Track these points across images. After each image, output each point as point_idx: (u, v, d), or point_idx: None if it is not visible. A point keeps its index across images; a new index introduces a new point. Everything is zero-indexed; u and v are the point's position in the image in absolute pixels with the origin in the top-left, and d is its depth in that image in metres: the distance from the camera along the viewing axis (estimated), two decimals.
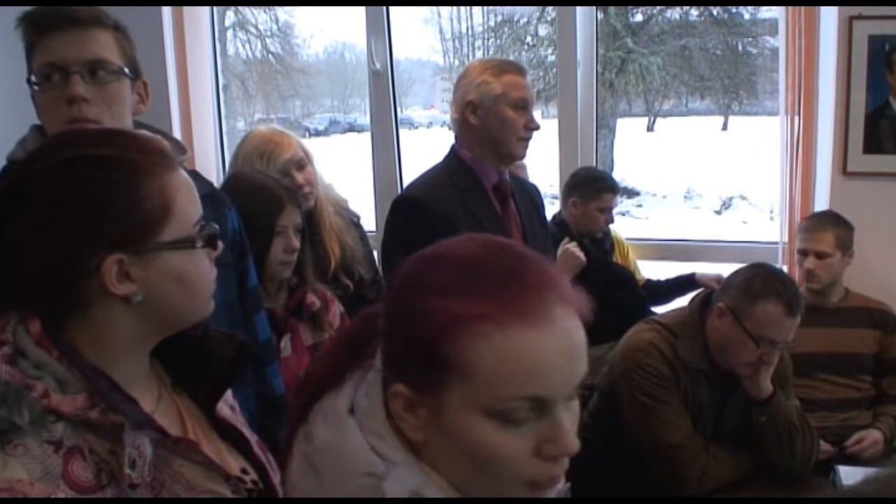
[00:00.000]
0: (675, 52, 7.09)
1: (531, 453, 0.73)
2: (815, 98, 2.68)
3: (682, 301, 2.78)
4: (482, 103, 2.03)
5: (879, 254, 2.60)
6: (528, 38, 7.26)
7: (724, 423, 2.06)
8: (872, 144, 2.61)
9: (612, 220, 2.89)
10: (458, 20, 7.59)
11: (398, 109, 3.30)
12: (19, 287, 0.86)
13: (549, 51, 6.62)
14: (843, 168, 2.64)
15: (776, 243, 2.82)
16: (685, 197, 8.36)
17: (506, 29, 7.38)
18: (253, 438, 1.06)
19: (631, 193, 8.02)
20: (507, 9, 7.11)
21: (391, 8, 3.19)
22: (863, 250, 2.51)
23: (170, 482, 0.89)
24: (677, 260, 3.14)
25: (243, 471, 0.99)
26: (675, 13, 6.88)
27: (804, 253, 2.49)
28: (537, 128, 2.07)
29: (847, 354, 2.43)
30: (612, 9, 6.59)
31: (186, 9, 3.16)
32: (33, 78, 1.33)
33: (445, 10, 7.44)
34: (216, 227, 0.96)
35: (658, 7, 6.71)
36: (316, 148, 2.37)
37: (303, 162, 2.22)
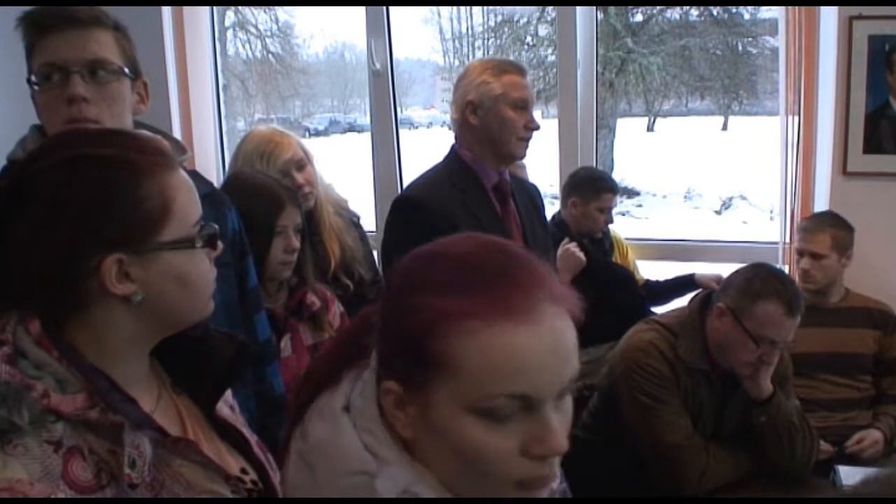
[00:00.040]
0: (675, 52, 7.09)
1: (518, 452, 0.73)
2: (815, 98, 2.68)
3: (682, 301, 2.78)
4: (482, 103, 2.03)
5: (879, 254, 2.60)
6: (528, 38, 7.26)
7: (724, 423, 2.06)
8: (872, 144, 2.60)
9: (611, 221, 2.89)
10: (458, 20, 7.59)
11: (398, 109, 3.30)
12: (19, 287, 0.86)
13: (549, 51, 6.62)
14: (843, 168, 2.64)
15: (776, 243, 2.82)
16: (685, 197, 8.36)
17: (506, 29, 7.38)
18: (253, 438, 1.06)
19: (631, 193, 8.02)
20: (507, 9, 7.11)
21: (391, 8, 3.19)
22: (863, 250, 2.51)
23: (169, 482, 0.89)
24: (677, 260, 3.14)
25: (243, 471, 0.99)
26: (675, 13, 6.88)
27: (801, 253, 2.49)
28: (537, 128, 2.07)
29: (847, 354, 2.43)
30: (612, 9, 6.59)
31: (186, 9, 3.16)
32: (33, 78, 1.33)
33: (445, 10, 7.44)
34: (216, 227, 0.96)
35: (658, 7, 6.71)
36: (316, 148, 2.37)
37: (303, 162, 2.22)
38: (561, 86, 3.05)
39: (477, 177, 2.06)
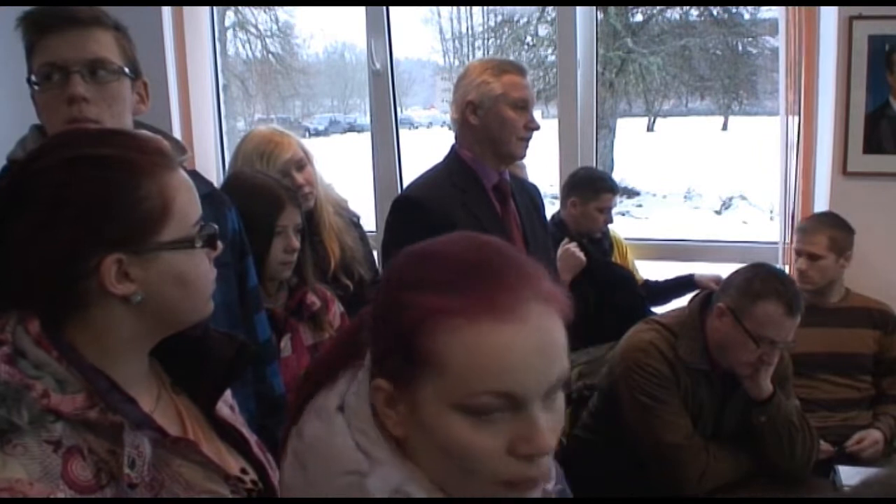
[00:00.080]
0: (675, 52, 7.10)
1: (505, 451, 0.72)
2: (815, 98, 2.68)
3: (681, 302, 2.78)
4: (482, 103, 2.03)
5: (879, 254, 2.60)
6: (528, 38, 7.26)
7: (724, 423, 2.05)
8: (872, 144, 2.60)
9: (611, 220, 2.89)
10: (458, 20, 7.60)
11: (398, 109, 3.30)
12: (19, 287, 0.86)
13: (549, 51, 6.62)
14: (843, 168, 2.64)
15: (776, 243, 2.82)
16: (685, 197, 8.36)
17: (506, 29, 7.38)
18: (252, 438, 1.06)
19: (631, 193, 8.03)
20: (507, 9, 7.12)
21: (391, 8, 3.19)
22: (863, 250, 2.51)
23: (169, 482, 0.89)
24: (677, 260, 3.14)
25: (243, 471, 0.99)
26: (675, 13, 6.88)
27: (798, 253, 2.49)
28: (537, 128, 2.07)
29: (847, 354, 2.43)
30: (612, 9, 6.59)
31: (186, 9, 3.16)
32: (33, 78, 1.33)
33: (445, 10, 7.44)
34: (216, 227, 0.96)
35: (658, 7, 6.71)
36: (316, 148, 2.37)
37: (303, 162, 2.22)
38: (561, 86, 3.05)
39: (477, 177, 2.06)
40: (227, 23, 6.01)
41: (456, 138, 2.12)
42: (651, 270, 3.12)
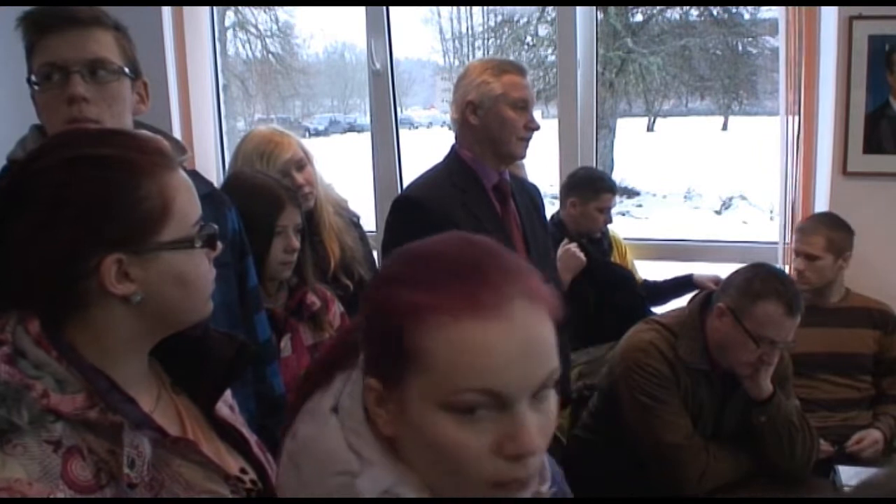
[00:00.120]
0: (675, 52, 7.10)
1: (491, 451, 0.72)
2: (815, 98, 2.68)
3: (680, 302, 2.78)
4: (482, 103, 2.03)
5: (879, 254, 2.60)
6: (528, 38, 7.26)
7: (724, 423, 2.05)
8: (872, 144, 2.60)
9: (610, 220, 2.89)
10: (458, 20, 7.60)
11: (398, 109, 3.30)
12: (19, 287, 0.86)
13: (549, 51, 6.62)
14: (843, 168, 2.64)
15: (776, 243, 2.82)
16: (685, 197, 8.36)
17: (506, 29, 7.38)
18: (252, 438, 1.06)
19: (631, 193, 8.03)
20: (507, 9, 7.11)
21: (391, 8, 3.19)
22: (863, 250, 2.50)
23: (169, 482, 0.89)
24: (677, 260, 3.14)
25: (242, 470, 0.99)
26: (675, 13, 6.88)
27: (796, 253, 2.50)
28: (537, 128, 2.07)
29: (847, 354, 2.43)
30: (612, 9, 6.59)
31: (186, 9, 3.16)
32: (33, 78, 1.33)
33: (445, 10, 7.44)
34: (215, 227, 0.96)
35: (658, 7, 6.71)
36: (316, 148, 2.37)
37: (303, 162, 2.22)
38: (561, 86, 3.05)
39: (477, 177, 2.06)
40: (227, 23, 6.01)
41: (456, 138, 2.12)
42: (651, 270, 3.12)
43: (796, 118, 2.68)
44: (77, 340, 0.87)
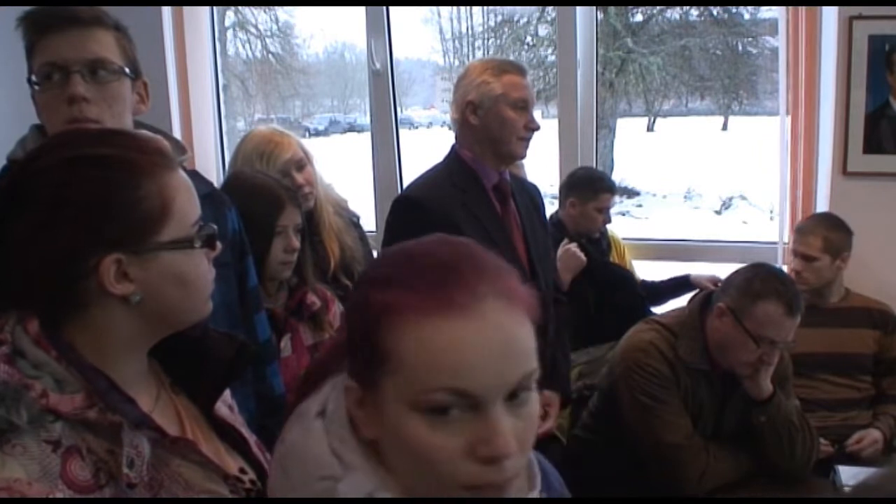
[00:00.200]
0: (675, 52, 7.09)
1: (463, 453, 0.70)
2: (815, 98, 2.68)
3: (677, 302, 2.78)
4: (482, 103, 2.03)
5: (879, 254, 2.60)
6: (528, 38, 7.26)
7: (724, 423, 2.06)
8: (872, 144, 2.60)
9: (609, 220, 2.89)
10: (458, 20, 7.59)
11: (398, 109, 3.30)
12: (18, 286, 0.86)
13: (549, 51, 6.62)
14: (843, 168, 2.64)
15: (776, 243, 2.82)
16: (685, 197, 8.36)
17: (506, 29, 7.38)
18: (251, 438, 1.06)
19: (631, 193, 8.03)
20: (507, 9, 7.11)
21: (391, 8, 3.19)
22: (863, 250, 2.51)
23: (168, 482, 0.89)
24: (677, 260, 3.14)
25: (241, 470, 0.99)
26: (675, 13, 6.88)
27: (794, 254, 2.50)
28: (537, 128, 2.06)
29: (847, 354, 2.43)
30: (612, 9, 6.59)
31: (186, 9, 3.16)
32: (34, 77, 1.33)
33: (445, 10, 7.44)
34: (215, 227, 0.96)
35: (658, 7, 6.71)
36: (316, 148, 2.37)
37: (302, 162, 2.22)
38: (561, 86, 3.05)
39: (477, 177, 2.06)
40: (227, 23, 6.01)
41: (456, 138, 2.12)
42: (651, 270, 3.12)
43: (796, 118, 2.69)
44: (76, 340, 0.87)
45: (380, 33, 3.17)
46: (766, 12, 6.18)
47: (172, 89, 3.17)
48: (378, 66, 3.17)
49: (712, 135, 8.79)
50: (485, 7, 7.31)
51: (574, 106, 3.03)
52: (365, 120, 5.93)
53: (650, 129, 8.64)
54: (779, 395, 1.99)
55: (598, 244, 2.88)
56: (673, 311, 2.23)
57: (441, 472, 0.71)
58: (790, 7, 2.64)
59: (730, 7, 6.62)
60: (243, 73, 6.57)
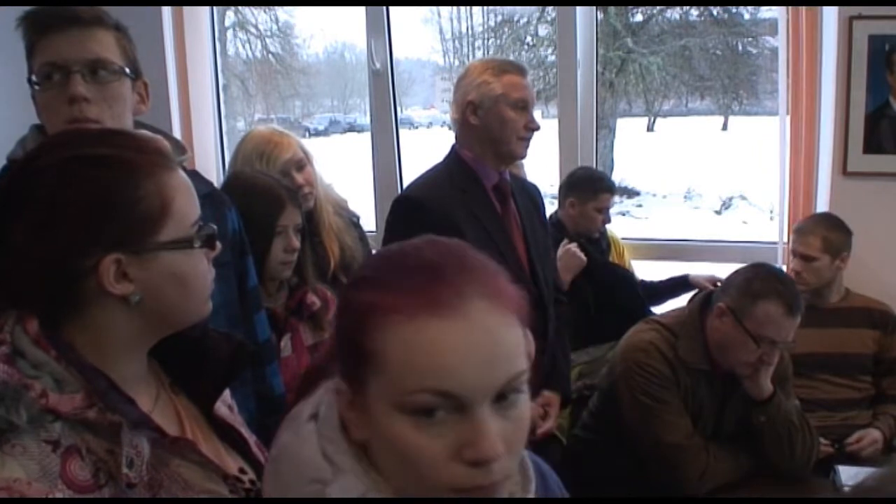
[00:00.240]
0: (675, 52, 7.09)
1: (449, 456, 0.69)
2: (816, 98, 2.68)
3: (676, 302, 2.78)
4: (482, 103, 2.03)
5: (879, 254, 2.60)
6: (528, 38, 7.26)
7: (724, 423, 2.05)
8: (872, 144, 2.60)
9: (608, 221, 2.89)
10: (458, 20, 7.59)
11: (398, 109, 3.30)
12: (17, 286, 0.86)
13: (549, 51, 6.62)
14: (843, 168, 2.64)
15: (776, 243, 2.82)
16: (685, 197, 8.36)
17: (506, 29, 7.38)
18: (251, 438, 1.06)
19: (631, 193, 8.03)
20: (507, 9, 7.11)
21: (391, 8, 3.19)
22: (863, 250, 2.50)
23: (167, 482, 0.89)
24: (677, 260, 3.14)
25: (241, 470, 0.99)
26: (675, 13, 6.88)
27: (793, 254, 2.50)
28: (538, 128, 2.06)
29: (847, 354, 2.43)
30: (612, 9, 6.58)
31: (186, 9, 3.16)
32: (34, 77, 1.33)
33: (445, 10, 7.44)
34: (214, 227, 0.96)
35: (658, 7, 6.71)
36: (316, 148, 2.37)
37: (302, 162, 2.22)
38: (561, 86, 3.05)
39: (477, 177, 2.06)
40: (227, 23, 6.01)
41: (456, 138, 2.12)
42: (651, 270, 3.12)
43: (796, 118, 2.69)
44: (76, 340, 0.87)
45: (380, 33, 3.17)
46: (766, 12, 6.18)
47: (172, 89, 3.17)
48: (378, 66, 3.17)
49: (712, 135, 8.79)
50: (485, 7, 7.31)
51: (574, 106, 3.02)
52: (365, 120, 5.93)
53: (650, 129, 8.64)
54: (779, 395, 1.99)
55: (597, 244, 2.88)
56: (673, 311, 2.23)
57: (427, 473, 0.70)
58: (790, 7, 2.64)
59: (730, 7, 6.62)
60: (243, 73, 6.57)
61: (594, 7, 3.11)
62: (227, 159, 2.83)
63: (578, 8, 2.98)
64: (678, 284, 2.93)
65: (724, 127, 8.76)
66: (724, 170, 8.33)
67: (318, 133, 7.93)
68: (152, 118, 1.50)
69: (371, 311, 0.72)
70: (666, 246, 3.31)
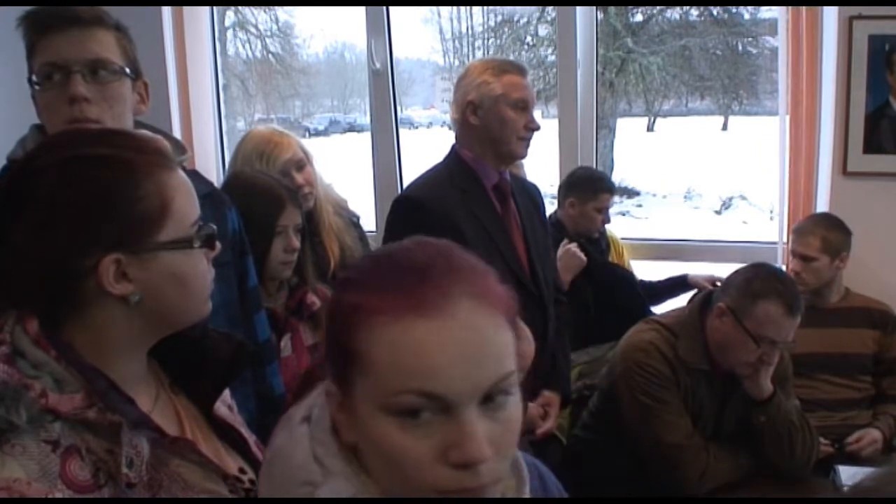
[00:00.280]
0: (675, 52, 7.09)
1: (435, 458, 0.69)
2: (816, 98, 2.68)
3: (675, 302, 2.78)
4: (482, 103, 2.03)
5: (879, 254, 2.60)
6: (528, 38, 7.26)
7: (724, 423, 2.05)
8: (872, 144, 2.60)
9: (608, 221, 2.89)
10: (458, 20, 7.59)
11: (398, 109, 3.30)
12: (17, 286, 0.86)
13: (549, 51, 6.62)
14: (843, 168, 2.64)
15: (776, 243, 2.82)
16: (685, 197, 8.36)
17: (506, 29, 7.38)
18: (251, 438, 1.06)
19: (631, 193, 8.03)
20: (507, 9, 7.11)
21: (391, 8, 3.19)
22: (863, 250, 2.50)
23: (167, 482, 0.89)
24: (677, 260, 3.14)
25: (241, 470, 0.99)
26: (675, 13, 6.88)
27: (793, 254, 2.50)
28: (538, 128, 2.06)
29: (847, 354, 2.43)
30: (612, 9, 6.58)
31: (186, 9, 3.16)
32: (34, 77, 1.33)
33: (445, 10, 7.44)
34: (214, 227, 0.96)
35: (658, 7, 6.71)
36: (316, 148, 2.37)
37: (302, 162, 2.22)
38: (561, 86, 3.05)
39: (477, 177, 2.06)
40: (227, 23, 6.01)
41: (456, 138, 2.12)
42: (651, 270, 3.12)
43: (796, 118, 2.69)
44: (75, 340, 0.87)
45: (380, 33, 3.17)
46: (766, 12, 6.18)
47: (172, 89, 3.17)
48: (378, 65, 3.17)
49: (712, 135, 8.79)
50: (485, 7, 7.31)
51: (574, 106, 3.02)
52: (365, 120, 5.92)
53: (650, 129, 8.64)
54: (779, 395, 1.99)
55: (597, 244, 2.88)
56: (673, 311, 2.23)
57: (412, 475, 0.70)
58: (790, 7, 2.64)
59: (730, 7, 6.62)
60: (243, 73, 6.57)
61: (594, 7, 3.11)
62: (227, 159, 2.83)
63: (578, 8, 2.98)
64: (677, 284, 2.93)
65: (724, 127, 8.76)
66: (724, 170, 8.33)
67: (318, 133, 7.93)
68: (152, 118, 1.49)
69: (357, 312, 0.71)
70: (666, 246, 3.31)
